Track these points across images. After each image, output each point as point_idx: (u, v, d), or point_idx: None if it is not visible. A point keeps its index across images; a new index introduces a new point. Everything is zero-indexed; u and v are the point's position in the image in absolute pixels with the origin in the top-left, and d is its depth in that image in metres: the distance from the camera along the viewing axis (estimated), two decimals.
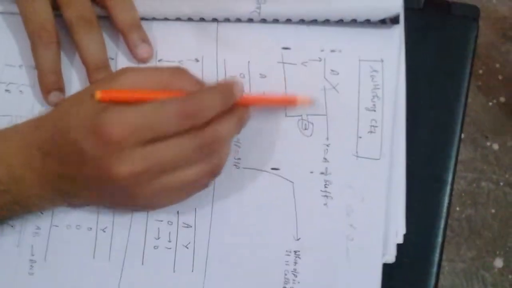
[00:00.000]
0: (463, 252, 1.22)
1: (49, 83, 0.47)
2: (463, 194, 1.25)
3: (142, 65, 0.48)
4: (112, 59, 0.48)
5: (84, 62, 0.47)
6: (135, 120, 0.38)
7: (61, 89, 0.47)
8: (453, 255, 1.22)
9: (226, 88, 0.42)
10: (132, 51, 0.47)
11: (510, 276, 1.21)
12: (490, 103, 1.28)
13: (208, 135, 0.40)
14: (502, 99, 1.28)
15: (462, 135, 1.26)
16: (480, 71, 1.29)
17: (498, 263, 1.22)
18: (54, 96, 0.47)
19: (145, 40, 0.47)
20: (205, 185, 0.44)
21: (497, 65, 1.29)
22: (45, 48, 0.46)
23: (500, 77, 1.29)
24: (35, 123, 0.43)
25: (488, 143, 1.27)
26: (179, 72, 0.42)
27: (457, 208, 1.24)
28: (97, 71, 0.46)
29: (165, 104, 0.39)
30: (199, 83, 0.42)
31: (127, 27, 0.47)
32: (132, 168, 0.39)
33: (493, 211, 1.24)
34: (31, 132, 0.43)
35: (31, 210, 0.46)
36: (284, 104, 0.46)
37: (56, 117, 0.42)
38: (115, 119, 0.38)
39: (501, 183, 1.25)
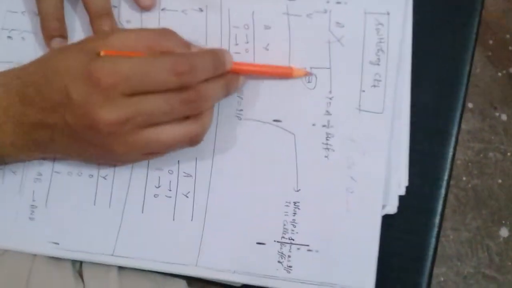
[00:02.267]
0: (469, 221, 1.22)
1: (51, 29, 0.47)
2: (469, 164, 1.24)
3: (145, 14, 0.48)
4: (116, 7, 0.48)
5: (87, 9, 0.46)
6: (126, 69, 0.39)
7: (63, 36, 0.47)
8: (458, 224, 1.22)
9: (218, 55, 0.42)
10: None
11: None
12: (500, 74, 1.27)
13: (195, 91, 0.40)
14: None
15: (471, 105, 1.25)
16: (490, 42, 1.27)
17: (504, 232, 1.22)
18: (56, 43, 0.47)
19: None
20: (180, 148, 0.44)
21: (508, 36, 1.27)
22: None
23: (510, 48, 1.27)
24: (17, 72, 0.43)
25: (497, 114, 1.26)
26: (167, 32, 0.43)
27: (464, 178, 1.24)
28: (100, 18, 0.46)
29: (158, 59, 0.39)
30: (186, 44, 0.43)
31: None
32: (117, 115, 0.39)
33: (499, 181, 1.23)
34: (12, 79, 0.43)
35: (5, 160, 0.46)
36: (278, 75, 0.46)
37: (43, 64, 0.42)
38: (107, 66, 0.39)
39: (509, 154, 1.24)
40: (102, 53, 0.40)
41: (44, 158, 0.47)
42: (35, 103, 0.41)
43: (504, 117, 1.26)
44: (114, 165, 0.47)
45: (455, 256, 1.22)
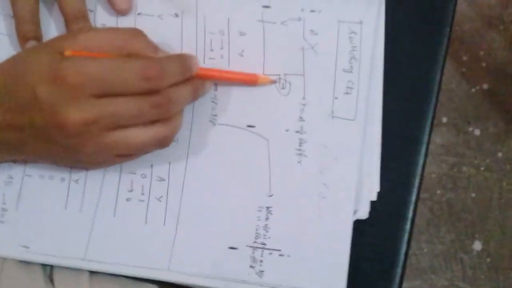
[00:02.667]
0: (443, 234, 1.24)
1: (26, 31, 0.46)
2: (444, 178, 1.26)
3: (121, 19, 0.48)
4: (92, 11, 0.48)
5: (63, 12, 0.46)
6: (94, 70, 0.39)
7: (38, 38, 0.47)
8: (432, 237, 1.23)
9: (185, 59, 0.43)
10: (111, 3, 0.47)
11: (488, 259, 1.22)
12: (473, 90, 1.29)
13: (164, 95, 0.41)
14: (485, 86, 1.29)
15: (445, 120, 1.27)
16: (464, 58, 1.30)
17: (477, 246, 1.23)
18: (30, 45, 0.47)
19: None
20: (149, 151, 0.45)
21: (481, 53, 1.30)
22: None
23: (484, 64, 1.29)
24: None
25: (470, 129, 1.28)
26: (137, 33, 0.43)
27: (438, 191, 1.25)
28: (76, 21, 0.46)
29: (128, 61, 0.40)
30: (155, 48, 0.43)
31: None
32: (84, 116, 0.39)
33: (473, 195, 1.25)
34: None
35: None
36: (244, 82, 0.46)
37: (11, 65, 0.42)
38: (75, 66, 0.39)
39: (482, 168, 1.26)
40: (67, 53, 0.40)
41: (14, 161, 0.47)
42: (4, 104, 0.41)
43: (477, 132, 1.28)
44: (85, 168, 0.46)
45: (429, 269, 1.22)
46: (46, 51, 0.41)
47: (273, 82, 0.46)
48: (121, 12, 0.47)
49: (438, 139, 1.26)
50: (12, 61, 0.43)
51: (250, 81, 0.46)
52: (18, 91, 0.40)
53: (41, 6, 0.48)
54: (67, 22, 0.46)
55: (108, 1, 0.47)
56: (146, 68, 0.39)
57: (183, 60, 0.43)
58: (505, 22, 1.30)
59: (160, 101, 0.41)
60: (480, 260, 1.23)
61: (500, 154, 1.26)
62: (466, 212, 1.24)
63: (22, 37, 0.47)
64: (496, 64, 1.29)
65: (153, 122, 0.42)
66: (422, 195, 1.23)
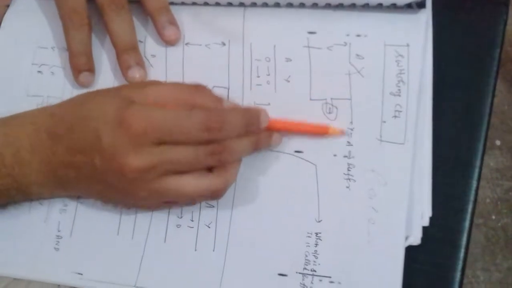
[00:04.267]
0: (499, 261, 1.19)
1: (79, 64, 0.48)
2: (499, 203, 1.22)
3: (170, 49, 0.49)
4: (141, 42, 0.50)
5: (114, 43, 0.48)
6: (158, 119, 0.40)
7: (91, 69, 0.49)
8: (488, 265, 1.19)
9: (252, 113, 0.43)
10: (160, 33, 0.48)
11: None
12: None
13: (222, 144, 0.42)
14: None
15: (499, 143, 1.24)
16: None
17: None
18: (84, 77, 0.48)
19: (173, 22, 0.48)
20: (196, 203, 0.46)
21: None
22: (76, 30, 0.48)
23: None
24: (50, 110, 0.45)
25: None
26: (201, 88, 0.44)
27: (493, 217, 1.21)
28: (126, 52, 0.48)
29: (191, 112, 0.41)
30: (219, 100, 0.44)
31: (156, 10, 0.48)
32: (144, 162, 0.40)
33: None
34: (44, 118, 0.44)
35: (29, 197, 0.47)
36: (314, 133, 0.46)
37: (77, 105, 0.44)
38: (139, 114, 0.40)
39: None
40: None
41: (67, 197, 0.48)
42: (65, 143, 0.42)
43: None
44: (131, 208, 0.47)
45: None
46: (113, 96, 0.43)
47: (344, 133, 0.46)
48: (170, 43, 0.49)
49: (492, 163, 1.23)
50: (77, 102, 0.44)
51: (320, 132, 0.46)
52: (81, 131, 0.41)
53: (93, 38, 0.49)
54: (118, 54, 0.48)
55: (157, 32, 0.49)
56: (209, 119, 0.40)
57: (248, 114, 0.43)
58: None
59: (217, 149, 0.41)
60: None
61: None
62: None
63: (76, 69, 0.48)
64: None
65: (208, 171, 0.43)
66: (476, 221, 1.20)
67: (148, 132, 0.40)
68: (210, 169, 0.44)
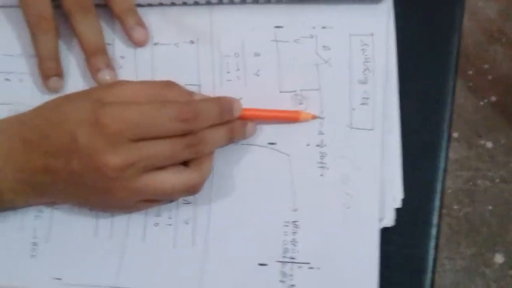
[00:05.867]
0: (463, 249, 1.23)
1: (48, 69, 0.48)
2: (460, 193, 1.26)
3: (139, 50, 0.49)
4: (110, 44, 0.50)
5: (82, 46, 0.48)
6: (134, 117, 0.40)
7: (60, 74, 0.49)
8: (453, 253, 1.23)
9: (225, 102, 0.45)
10: (128, 35, 0.49)
11: (511, 271, 1.21)
12: (482, 103, 1.30)
13: (197, 136, 0.42)
14: (493, 98, 1.30)
15: (456, 135, 1.28)
16: (470, 72, 1.31)
17: (499, 258, 1.22)
18: (53, 82, 0.48)
19: (141, 23, 0.49)
20: (177, 198, 0.46)
21: (486, 66, 1.31)
22: (44, 35, 0.48)
23: (490, 77, 1.31)
24: (22, 117, 0.44)
25: (482, 142, 1.28)
26: (170, 83, 0.45)
27: (455, 207, 1.25)
28: (95, 55, 0.48)
29: (165, 106, 0.41)
30: (189, 94, 0.45)
31: (123, 12, 0.48)
32: (123, 160, 0.40)
33: (490, 207, 1.25)
34: (17, 126, 0.44)
35: (2, 205, 0.46)
36: (286, 119, 0.47)
37: (49, 110, 0.44)
38: (114, 112, 0.40)
39: (497, 180, 1.26)
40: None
41: (42, 204, 0.47)
42: (40, 148, 0.42)
43: (489, 144, 1.28)
44: (112, 212, 0.47)
45: (452, 286, 1.21)
46: (84, 99, 0.43)
47: (315, 117, 0.47)
48: (138, 44, 0.49)
49: (451, 155, 1.27)
50: (49, 107, 0.44)
51: (292, 118, 0.47)
52: (56, 136, 0.41)
53: (61, 44, 0.49)
54: (87, 57, 0.48)
55: (126, 34, 0.49)
56: (182, 111, 0.41)
57: (221, 102, 0.44)
58: (507, 34, 1.32)
59: (193, 141, 0.42)
60: (503, 272, 1.22)
61: None
62: (485, 225, 1.24)
63: (45, 75, 0.48)
64: (502, 76, 1.30)
65: (184, 168, 0.43)
66: None
67: (124, 130, 0.40)
68: (186, 165, 0.44)
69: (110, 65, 0.48)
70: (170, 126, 0.41)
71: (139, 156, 0.41)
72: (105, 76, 0.48)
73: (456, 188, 1.26)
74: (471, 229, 1.24)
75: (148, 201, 0.45)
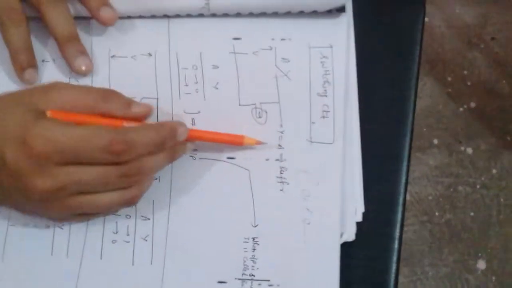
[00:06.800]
0: (445, 256, 1.22)
1: (22, 61, 0.47)
2: (441, 199, 1.25)
3: (96, 62, 0.48)
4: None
5: (55, 35, 0.46)
6: (62, 141, 0.38)
7: (34, 66, 0.47)
8: (436, 260, 1.22)
9: (167, 129, 0.42)
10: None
11: (493, 277, 1.21)
12: (461, 109, 1.30)
13: (133, 167, 0.41)
14: (473, 104, 1.30)
15: (436, 141, 1.27)
16: (449, 78, 1.31)
17: (481, 265, 1.22)
18: (28, 74, 0.47)
19: (83, 52, 0.48)
20: (116, 211, 0.45)
21: (465, 72, 1.31)
22: (16, 27, 0.46)
23: (468, 83, 1.30)
24: None
25: (462, 148, 1.28)
26: (109, 94, 0.43)
27: (436, 213, 1.24)
28: (69, 42, 0.47)
29: (96, 134, 0.39)
30: (128, 104, 0.43)
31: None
32: (50, 184, 0.39)
33: (472, 214, 1.24)
34: None
35: None
36: (229, 143, 0.46)
37: None
38: (43, 135, 0.38)
39: (478, 186, 1.26)
40: (49, 114, 0.40)
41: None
42: None
43: (469, 150, 1.28)
44: (60, 222, 0.46)
45: None
46: (16, 104, 0.41)
47: (259, 143, 0.46)
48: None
49: (431, 161, 1.27)
50: None
51: (235, 142, 0.46)
52: None
53: (32, 34, 0.48)
54: (61, 45, 0.47)
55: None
56: (112, 143, 0.39)
57: (163, 130, 0.42)
58: (485, 40, 1.32)
59: (129, 171, 0.41)
60: (486, 278, 1.21)
61: (494, 171, 1.26)
62: (467, 231, 1.24)
63: (19, 67, 0.47)
64: (481, 82, 1.30)
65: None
66: (421, 218, 1.23)
67: (51, 155, 0.38)
68: None
69: (84, 52, 0.47)
70: (100, 157, 0.39)
71: (68, 180, 0.39)
72: (81, 63, 0.47)
73: (437, 194, 1.25)
74: (453, 235, 1.23)
75: (85, 214, 0.44)
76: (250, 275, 0.45)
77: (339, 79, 0.46)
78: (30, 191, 0.39)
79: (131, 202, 0.43)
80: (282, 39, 0.47)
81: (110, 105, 0.42)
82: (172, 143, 0.43)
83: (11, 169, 0.39)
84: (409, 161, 0.47)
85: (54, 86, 0.42)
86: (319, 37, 0.47)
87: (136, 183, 0.42)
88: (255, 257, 0.45)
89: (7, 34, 0.47)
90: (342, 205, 0.45)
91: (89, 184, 0.40)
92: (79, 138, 0.39)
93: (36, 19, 0.47)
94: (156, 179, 0.47)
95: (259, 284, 0.44)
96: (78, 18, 0.48)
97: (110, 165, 0.40)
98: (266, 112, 0.47)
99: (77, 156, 0.39)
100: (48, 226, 0.47)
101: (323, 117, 0.46)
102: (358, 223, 0.45)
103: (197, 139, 0.45)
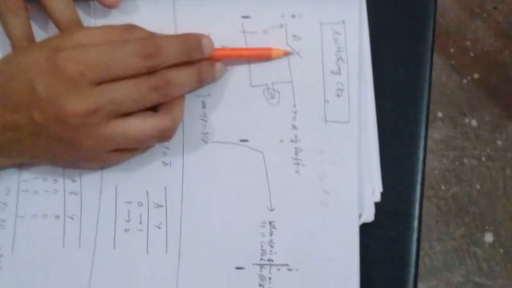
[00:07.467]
0: (452, 230, 1.22)
1: None
2: (446, 173, 1.24)
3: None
4: None
5: (56, 21, 0.45)
6: (92, 56, 0.38)
7: None
8: (443, 235, 1.22)
9: (192, 38, 0.42)
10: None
11: (501, 250, 1.21)
12: (465, 80, 1.28)
13: (164, 76, 0.40)
14: (476, 76, 1.28)
15: (440, 114, 1.26)
16: (452, 50, 1.29)
17: (488, 237, 1.21)
18: None
19: None
20: (147, 148, 0.44)
21: (468, 43, 1.29)
22: (15, 15, 0.45)
23: (472, 54, 1.29)
24: None
25: (467, 120, 1.27)
26: (131, 26, 0.43)
27: (442, 187, 1.24)
28: (70, 29, 0.45)
29: (125, 43, 0.39)
30: (152, 34, 0.43)
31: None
32: (85, 105, 0.38)
33: (478, 186, 1.24)
34: None
35: None
36: (257, 57, 0.45)
37: (5, 63, 0.41)
38: (73, 55, 0.38)
39: (483, 158, 1.25)
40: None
41: (11, 165, 0.45)
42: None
43: (474, 122, 1.27)
44: (83, 167, 0.45)
45: (443, 267, 1.21)
46: (42, 47, 0.40)
47: (287, 53, 0.45)
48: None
49: (436, 135, 1.26)
50: (5, 60, 0.41)
51: (263, 55, 0.45)
52: (14, 89, 0.39)
53: (33, 21, 0.46)
54: (61, 31, 0.45)
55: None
56: (143, 46, 0.39)
57: (187, 39, 0.42)
58: (487, 10, 1.30)
59: (159, 82, 0.40)
60: (493, 251, 1.21)
61: (499, 142, 1.25)
62: (473, 204, 1.23)
63: None
64: (484, 53, 1.28)
65: (154, 112, 0.41)
66: (427, 193, 1.22)
67: (84, 72, 0.38)
68: (155, 111, 0.42)
69: (79, 27, 0.46)
70: (132, 63, 0.39)
71: (103, 100, 0.38)
72: None
73: (442, 168, 1.24)
74: (460, 209, 1.23)
75: (119, 150, 0.43)
76: (268, 260, 0.44)
77: (353, 56, 0.45)
78: (65, 116, 0.38)
79: (163, 134, 0.42)
80: (293, 16, 0.46)
81: (135, 35, 0.42)
82: (199, 55, 0.42)
83: (43, 99, 0.38)
84: (426, 138, 0.45)
85: (77, 29, 0.42)
86: (330, 13, 0.46)
87: (166, 98, 0.41)
88: (273, 242, 0.44)
89: (7, 22, 0.45)
90: (359, 186, 0.44)
91: (123, 101, 0.39)
92: (110, 48, 0.39)
93: (35, 4, 0.45)
94: (168, 164, 0.45)
95: (278, 269, 0.43)
96: (78, 0, 0.46)
97: (141, 75, 0.39)
98: (279, 93, 0.45)
99: (110, 69, 0.38)
100: (57, 217, 0.45)
101: (338, 95, 0.45)
102: (376, 204, 0.44)
103: (224, 57, 0.44)
